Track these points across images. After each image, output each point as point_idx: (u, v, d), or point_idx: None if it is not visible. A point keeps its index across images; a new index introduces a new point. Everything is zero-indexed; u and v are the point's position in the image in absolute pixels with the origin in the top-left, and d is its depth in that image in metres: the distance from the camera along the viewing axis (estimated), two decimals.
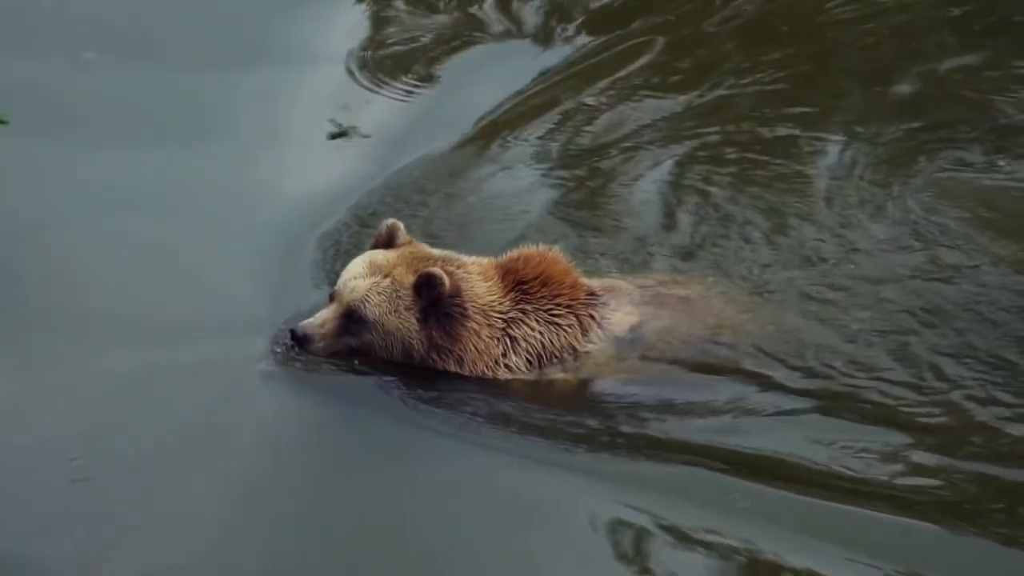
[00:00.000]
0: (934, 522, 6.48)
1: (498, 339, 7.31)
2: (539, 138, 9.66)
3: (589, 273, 7.81)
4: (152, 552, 6.40)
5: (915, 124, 9.54)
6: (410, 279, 7.19)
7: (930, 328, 7.57)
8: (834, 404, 7.21)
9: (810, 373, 7.37)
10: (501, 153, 9.48)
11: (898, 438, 6.97)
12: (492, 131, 9.75)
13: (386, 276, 7.21)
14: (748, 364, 7.41)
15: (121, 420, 7.11)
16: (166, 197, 8.89)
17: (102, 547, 6.43)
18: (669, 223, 8.64)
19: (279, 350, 7.39)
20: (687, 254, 8.33)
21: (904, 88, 10.06)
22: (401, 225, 7.47)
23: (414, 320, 7.20)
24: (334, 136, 9.36)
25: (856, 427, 7.06)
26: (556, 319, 7.39)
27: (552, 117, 9.89)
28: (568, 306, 7.42)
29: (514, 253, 7.53)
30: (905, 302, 7.76)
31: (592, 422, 7.19)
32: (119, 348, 7.56)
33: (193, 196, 8.91)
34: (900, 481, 6.75)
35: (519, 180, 9.17)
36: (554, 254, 7.51)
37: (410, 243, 7.44)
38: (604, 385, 7.39)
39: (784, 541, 6.42)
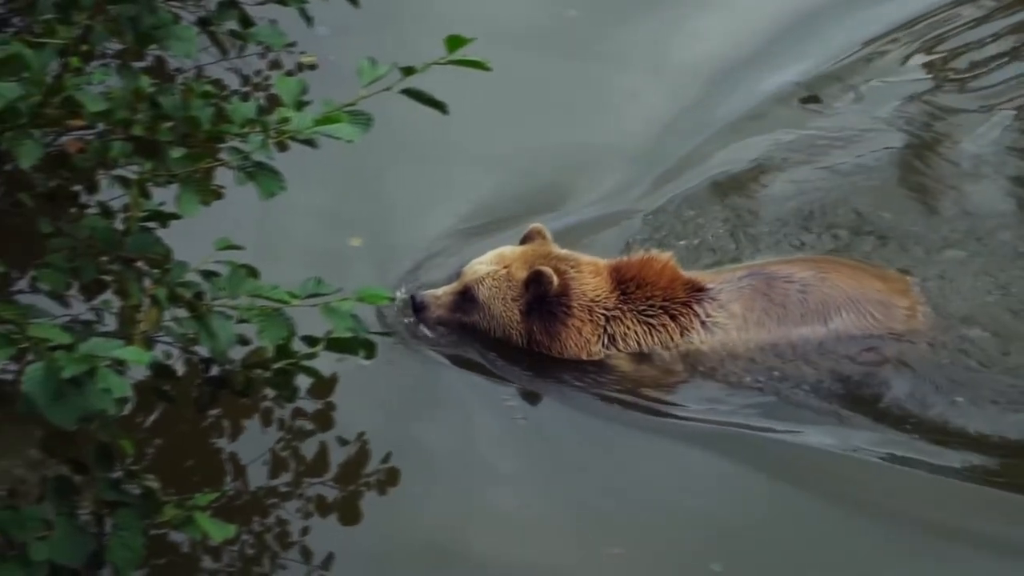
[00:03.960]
0: None
1: (599, 336, 7.73)
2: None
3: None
4: None
5: None
6: (522, 273, 7.71)
7: None
8: None
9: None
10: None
11: None
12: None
13: (506, 267, 7.77)
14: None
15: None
16: None
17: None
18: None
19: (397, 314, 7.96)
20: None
21: None
22: (544, 229, 7.95)
23: (517, 311, 7.71)
24: (805, 100, 9.81)
25: None
26: (649, 319, 7.72)
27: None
28: (662, 307, 7.72)
29: (624, 257, 7.92)
30: None
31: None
32: None
33: None
34: None
35: None
36: (656, 256, 7.82)
37: (543, 244, 7.91)
38: (694, 384, 7.69)
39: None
